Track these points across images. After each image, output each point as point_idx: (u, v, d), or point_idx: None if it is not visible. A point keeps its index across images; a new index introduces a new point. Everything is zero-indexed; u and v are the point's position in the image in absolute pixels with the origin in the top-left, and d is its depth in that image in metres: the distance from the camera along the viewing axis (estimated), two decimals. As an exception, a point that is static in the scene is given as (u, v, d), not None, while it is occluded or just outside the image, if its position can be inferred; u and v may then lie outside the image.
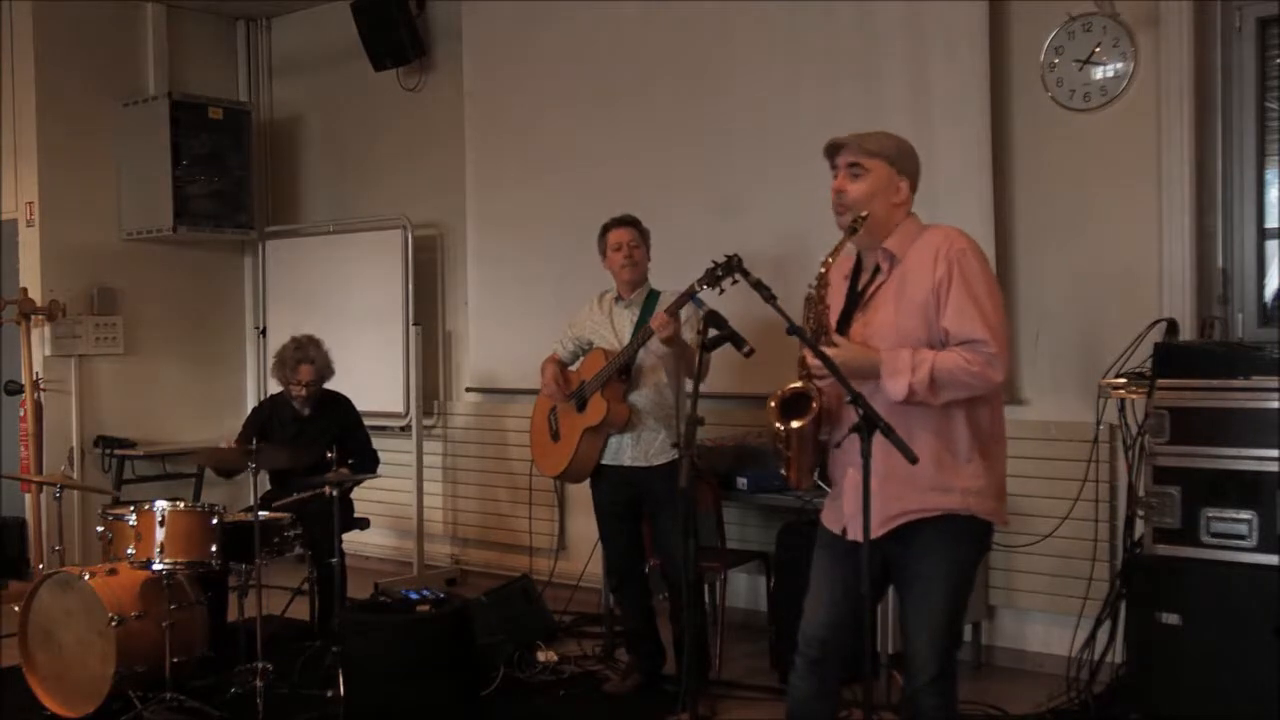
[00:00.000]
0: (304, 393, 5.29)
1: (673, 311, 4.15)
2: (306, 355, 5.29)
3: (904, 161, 2.93)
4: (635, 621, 4.68)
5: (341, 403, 5.50)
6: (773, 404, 2.83)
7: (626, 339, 4.46)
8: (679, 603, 4.42)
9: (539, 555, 6.32)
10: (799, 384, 2.83)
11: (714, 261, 4.05)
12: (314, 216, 7.50)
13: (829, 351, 2.76)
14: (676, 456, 4.33)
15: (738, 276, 3.94)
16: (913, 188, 2.96)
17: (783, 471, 2.89)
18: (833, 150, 2.93)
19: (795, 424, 2.79)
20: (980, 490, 2.83)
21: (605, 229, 4.56)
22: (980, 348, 2.72)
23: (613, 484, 4.54)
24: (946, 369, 2.71)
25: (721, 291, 4.04)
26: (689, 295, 4.13)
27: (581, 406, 4.50)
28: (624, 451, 4.46)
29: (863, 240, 2.93)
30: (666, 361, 4.36)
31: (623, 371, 4.40)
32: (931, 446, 2.77)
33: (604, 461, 4.52)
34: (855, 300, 2.95)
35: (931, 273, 2.79)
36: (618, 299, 4.58)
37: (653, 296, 4.49)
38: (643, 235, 4.54)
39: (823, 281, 2.84)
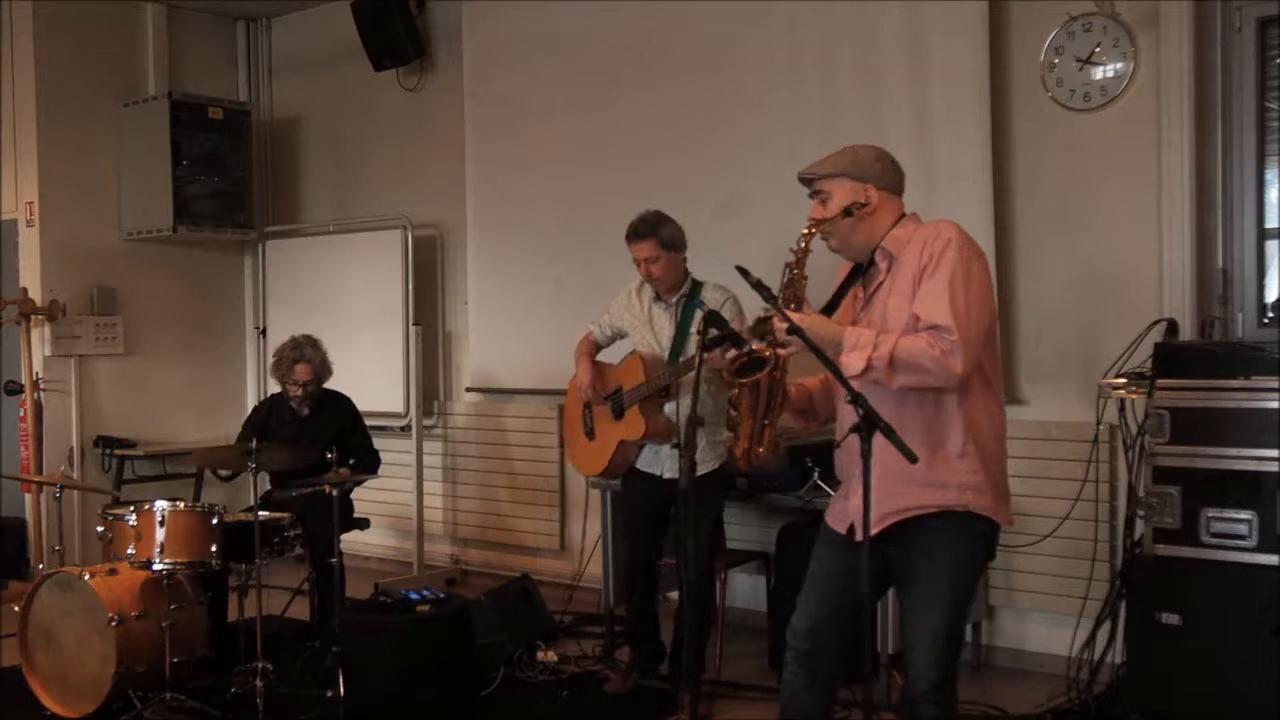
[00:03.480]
0: (300, 393, 5.29)
1: (724, 353, 4.01)
2: (303, 355, 5.28)
3: (862, 169, 2.93)
4: (639, 620, 4.66)
5: (341, 402, 5.50)
6: (730, 363, 2.82)
7: (666, 342, 4.38)
8: (688, 609, 4.43)
9: (539, 555, 6.32)
10: (758, 347, 2.80)
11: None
12: (314, 216, 7.50)
13: (794, 317, 2.75)
14: (708, 469, 4.28)
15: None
16: (891, 189, 2.94)
17: (735, 443, 2.89)
18: (805, 183, 3.01)
19: (746, 379, 2.79)
20: (977, 486, 2.82)
21: (626, 238, 4.37)
22: (943, 335, 2.69)
23: (646, 488, 4.49)
24: (907, 350, 2.70)
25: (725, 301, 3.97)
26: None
27: (619, 415, 4.48)
28: (664, 464, 4.43)
29: (847, 251, 2.97)
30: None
31: (662, 391, 4.34)
32: (922, 442, 2.75)
33: (639, 466, 4.50)
34: (840, 297, 2.98)
35: (918, 263, 2.80)
36: (656, 298, 4.44)
37: (694, 295, 4.33)
38: (665, 244, 4.28)
39: (803, 250, 2.86)
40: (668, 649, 4.69)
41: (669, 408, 4.37)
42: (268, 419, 5.41)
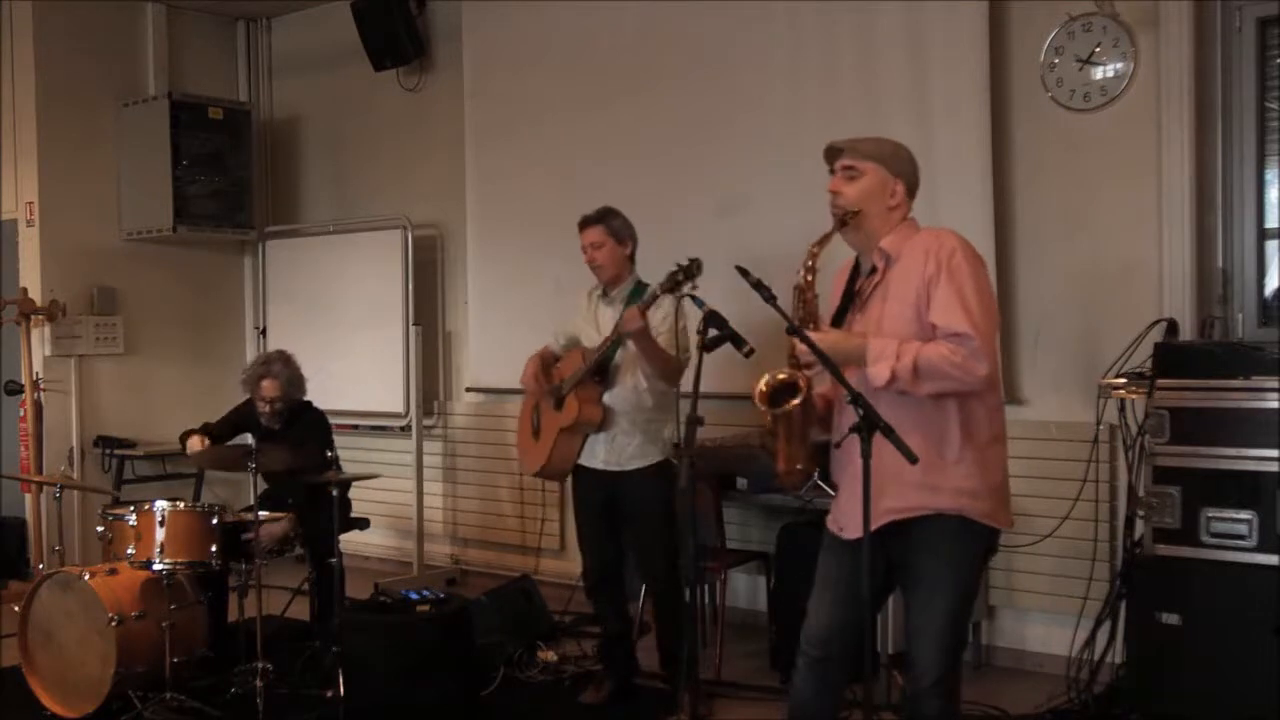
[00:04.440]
0: (268, 409, 5.13)
1: (644, 309, 4.08)
2: (270, 371, 5.12)
3: (899, 165, 2.98)
4: (611, 627, 4.58)
5: (308, 420, 5.30)
6: (762, 389, 2.85)
7: (606, 333, 4.36)
8: (659, 606, 4.44)
9: (539, 555, 6.32)
10: (786, 373, 2.84)
11: (677, 264, 4.00)
12: (314, 216, 7.50)
13: (815, 336, 2.79)
14: (650, 462, 4.32)
15: (697, 283, 3.90)
16: (910, 193, 2.99)
17: (775, 464, 2.91)
18: (831, 154, 3.02)
19: (781, 409, 2.81)
20: (973, 491, 2.83)
21: (578, 226, 4.47)
22: (965, 341, 2.73)
23: (587, 484, 4.48)
24: (930, 359, 2.73)
25: (681, 298, 4.00)
26: (653, 298, 4.09)
27: (559, 405, 4.46)
28: (597, 454, 4.41)
29: (857, 241, 2.98)
30: (640, 362, 4.28)
31: (596, 372, 4.33)
32: (919, 445, 2.75)
33: (580, 462, 4.47)
34: (851, 299, 2.98)
35: (922, 271, 2.83)
36: (603, 294, 4.50)
37: (638, 291, 4.38)
38: (611, 231, 4.39)
39: (809, 269, 2.89)
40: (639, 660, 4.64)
41: (608, 397, 4.36)
42: (246, 422, 5.26)
